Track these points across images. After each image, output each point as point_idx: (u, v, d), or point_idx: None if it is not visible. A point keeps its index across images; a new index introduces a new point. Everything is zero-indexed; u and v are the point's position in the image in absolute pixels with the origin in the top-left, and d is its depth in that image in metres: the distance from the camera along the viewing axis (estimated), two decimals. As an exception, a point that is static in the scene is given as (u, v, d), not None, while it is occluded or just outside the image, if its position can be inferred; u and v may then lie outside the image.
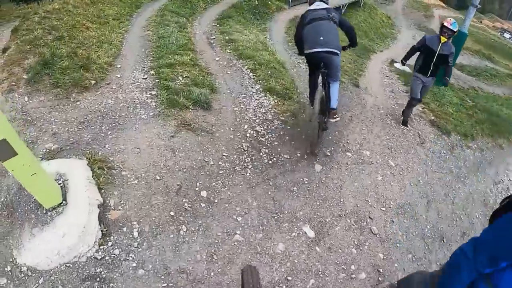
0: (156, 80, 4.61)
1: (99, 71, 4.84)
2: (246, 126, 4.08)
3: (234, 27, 7.94)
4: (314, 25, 3.43)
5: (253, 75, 5.42)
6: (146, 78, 4.74)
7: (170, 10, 8.17)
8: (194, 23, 8.19)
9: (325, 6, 3.57)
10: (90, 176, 2.89)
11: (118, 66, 5.31)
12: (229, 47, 6.61)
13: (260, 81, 5.21)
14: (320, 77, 3.77)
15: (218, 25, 8.06)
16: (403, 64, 5.29)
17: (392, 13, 20.51)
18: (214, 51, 6.48)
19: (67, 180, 2.75)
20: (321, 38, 3.33)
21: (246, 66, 5.70)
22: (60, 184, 2.69)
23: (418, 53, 5.23)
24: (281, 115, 4.46)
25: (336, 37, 3.45)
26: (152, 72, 4.90)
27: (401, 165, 4.80)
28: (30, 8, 9.35)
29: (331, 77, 3.57)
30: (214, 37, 7.22)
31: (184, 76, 4.80)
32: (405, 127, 5.66)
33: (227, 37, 7.06)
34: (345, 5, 14.53)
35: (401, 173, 4.65)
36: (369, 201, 3.78)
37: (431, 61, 4.95)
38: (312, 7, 3.62)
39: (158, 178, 3.09)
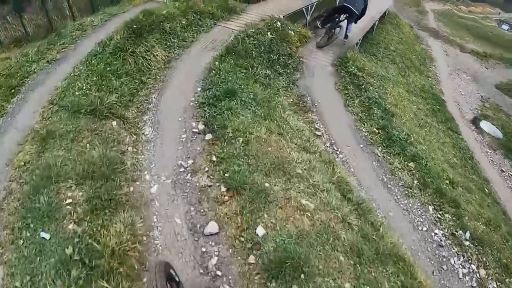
0: None
1: None
2: None
3: (246, 127, 2.98)
4: None
5: None
6: None
7: (71, 109, 2.97)
8: (141, 128, 3.10)
9: None
10: None
11: None
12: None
13: None
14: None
15: (203, 121, 3.08)
16: None
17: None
18: None
19: None
20: (356, 4, 5.71)
21: None
22: None
23: None
24: None
25: (361, 7, 5.84)
26: None
27: None
28: None
29: (350, 22, 5.97)
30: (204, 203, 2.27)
31: None
32: None
33: (241, 202, 2.14)
34: (376, 23, 10.37)
35: None
36: None
37: None
38: None
39: None
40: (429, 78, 10.50)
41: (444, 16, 24.31)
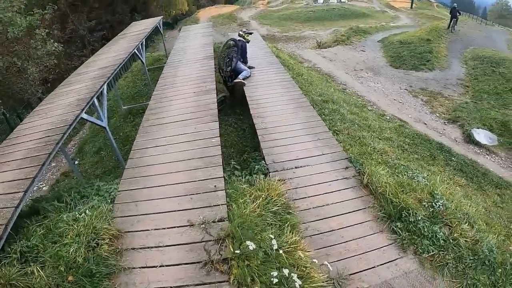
0: None
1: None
2: None
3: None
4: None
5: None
6: None
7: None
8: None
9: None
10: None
11: None
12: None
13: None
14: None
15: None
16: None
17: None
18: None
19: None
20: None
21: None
22: None
23: None
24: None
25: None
26: None
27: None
28: None
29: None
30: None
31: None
32: None
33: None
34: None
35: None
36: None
37: None
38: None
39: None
40: (369, 108, 8.84)
41: (262, 17, 24.47)
